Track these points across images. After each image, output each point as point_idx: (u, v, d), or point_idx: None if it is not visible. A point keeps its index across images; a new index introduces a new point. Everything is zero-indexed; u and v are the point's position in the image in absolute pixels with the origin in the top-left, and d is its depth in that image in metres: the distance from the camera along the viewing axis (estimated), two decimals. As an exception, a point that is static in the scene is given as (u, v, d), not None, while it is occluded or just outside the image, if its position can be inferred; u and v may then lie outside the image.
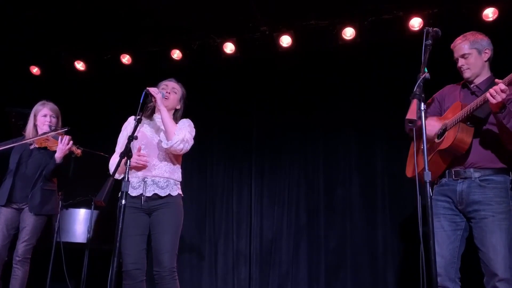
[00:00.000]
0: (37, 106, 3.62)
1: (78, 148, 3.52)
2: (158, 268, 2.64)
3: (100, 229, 4.26)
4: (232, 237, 4.80)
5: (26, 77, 5.38)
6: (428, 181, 2.03)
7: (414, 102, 2.11)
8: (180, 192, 2.82)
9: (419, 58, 2.22)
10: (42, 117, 3.58)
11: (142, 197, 2.69)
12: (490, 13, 4.02)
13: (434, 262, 1.96)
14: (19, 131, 3.74)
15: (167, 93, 2.82)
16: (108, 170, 2.75)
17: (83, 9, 4.40)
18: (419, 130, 2.12)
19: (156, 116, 2.88)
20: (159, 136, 2.77)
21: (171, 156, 2.80)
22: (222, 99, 5.13)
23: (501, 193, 2.38)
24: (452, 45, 2.62)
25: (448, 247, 2.44)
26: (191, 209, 4.69)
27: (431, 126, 2.53)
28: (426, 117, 2.14)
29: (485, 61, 2.55)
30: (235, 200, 4.90)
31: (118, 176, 2.54)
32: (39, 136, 3.50)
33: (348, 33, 4.45)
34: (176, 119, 2.87)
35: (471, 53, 2.53)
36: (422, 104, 2.11)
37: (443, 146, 2.45)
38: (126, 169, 2.43)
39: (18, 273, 3.32)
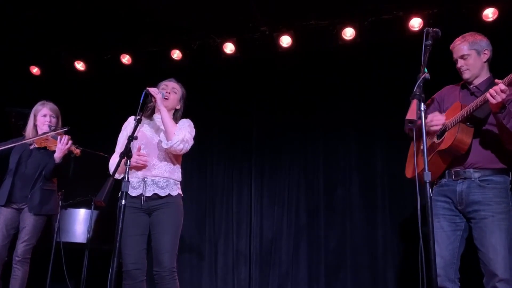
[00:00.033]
0: (37, 106, 3.63)
1: (77, 148, 3.52)
2: (158, 268, 2.64)
3: (100, 229, 4.26)
4: (232, 237, 4.80)
5: (26, 77, 5.38)
6: (428, 181, 2.03)
7: (414, 102, 2.11)
8: (180, 192, 2.82)
9: (419, 58, 2.22)
10: (42, 117, 3.58)
11: (142, 197, 2.69)
12: (490, 13, 4.02)
13: (434, 262, 1.96)
14: (19, 131, 3.74)
15: (167, 93, 2.82)
16: (108, 170, 2.75)
17: (83, 9, 4.40)
18: (419, 130, 2.12)
19: (156, 116, 2.88)
20: (159, 136, 2.77)
21: (171, 156, 2.80)
22: (222, 99, 5.13)
23: (500, 194, 2.38)
24: (451, 46, 2.62)
25: (447, 247, 2.44)
26: (191, 209, 4.69)
27: (437, 120, 2.50)
28: (426, 117, 2.15)
29: (484, 62, 2.55)
30: (235, 200, 4.90)
31: (118, 176, 2.54)
32: (39, 136, 3.50)
33: (348, 33, 4.45)
34: (176, 119, 2.87)
35: (470, 54, 2.53)
36: (422, 104, 2.11)
37: (443, 146, 2.45)
38: (126, 169, 2.43)
39: (18, 273, 3.32)
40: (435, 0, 4.12)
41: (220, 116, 5.07)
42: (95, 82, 5.35)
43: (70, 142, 3.40)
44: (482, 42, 2.55)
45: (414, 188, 2.07)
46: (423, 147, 2.10)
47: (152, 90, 2.70)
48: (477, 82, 2.56)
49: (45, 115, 3.58)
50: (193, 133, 2.85)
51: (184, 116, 2.93)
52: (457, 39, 2.60)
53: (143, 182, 2.71)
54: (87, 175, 4.03)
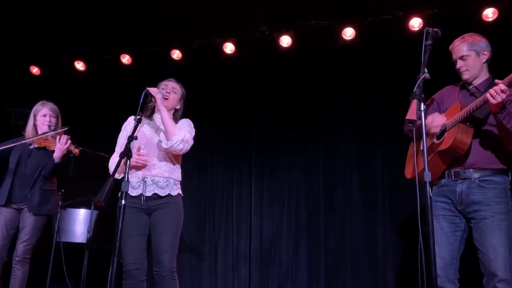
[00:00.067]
0: (37, 106, 3.63)
1: (76, 147, 3.52)
2: (158, 268, 2.64)
3: (100, 229, 4.26)
4: (232, 237, 4.80)
5: (26, 77, 5.38)
6: (428, 181, 2.03)
7: (414, 102, 2.11)
8: (180, 192, 2.82)
9: (419, 58, 2.22)
10: (42, 117, 3.58)
11: (142, 197, 2.69)
12: (490, 13, 4.02)
13: (434, 262, 1.96)
14: (19, 131, 3.74)
15: (167, 93, 2.82)
16: (108, 170, 2.75)
17: (83, 9, 4.40)
18: (419, 130, 2.12)
19: (156, 116, 2.88)
20: (158, 136, 2.77)
21: (170, 156, 2.80)
22: (222, 99, 5.13)
23: (500, 194, 2.38)
24: (450, 46, 2.62)
25: (447, 248, 2.44)
26: (191, 209, 4.69)
27: (437, 121, 2.51)
28: (426, 118, 2.15)
29: (484, 63, 2.55)
30: (235, 200, 4.90)
31: (118, 176, 2.54)
32: (39, 136, 3.50)
33: (348, 33, 4.45)
34: (176, 119, 2.87)
35: (470, 55, 2.53)
36: (422, 104, 2.11)
37: (443, 147, 2.45)
38: (126, 169, 2.43)
39: (18, 273, 3.32)
40: (435, 0, 4.12)
41: (220, 116, 5.07)
42: (95, 82, 5.35)
43: (69, 141, 3.40)
44: (481, 42, 2.55)
45: (414, 188, 2.07)
46: (423, 147, 2.10)
47: (152, 90, 2.70)
48: (476, 82, 2.56)
49: (45, 115, 3.58)
50: (193, 133, 2.85)
51: (184, 116, 2.93)
52: (456, 40, 2.60)
53: (143, 182, 2.71)
54: (87, 175, 4.03)
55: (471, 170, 2.43)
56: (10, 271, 3.35)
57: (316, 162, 4.70)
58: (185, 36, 4.84)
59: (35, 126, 3.60)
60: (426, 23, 4.13)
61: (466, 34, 2.59)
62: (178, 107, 2.91)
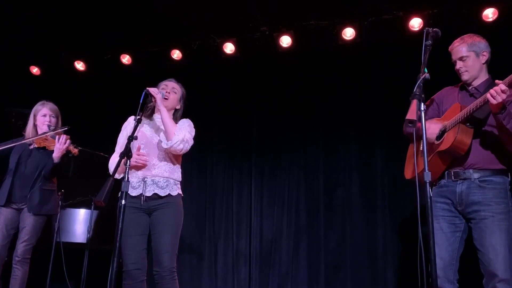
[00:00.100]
0: (37, 106, 3.63)
1: (75, 147, 3.51)
2: (158, 268, 2.64)
3: (100, 229, 4.26)
4: (232, 237, 4.80)
5: (26, 77, 5.38)
6: (428, 181, 2.03)
7: (414, 102, 2.11)
8: (180, 192, 2.82)
9: (419, 58, 2.22)
10: (42, 117, 3.58)
11: (142, 197, 2.69)
12: (490, 14, 4.02)
13: (434, 263, 1.96)
14: (19, 131, 3.74)
15: (167, 93, 2.82)
16: (108, 170, 2.75)
17: (83, 9, 4.40)
18: (418, 131, 2.12)
19: (156, 116, 2.88)
20: (159, 136, 2.77)
21: (170, 156, 2.80)
22: (222, 99, 5.13)
23: (500, 194, 2.38)
24: (450, 47, 2.62)
25: (447, 249, 2.44)
26: (191, 209, 4.69)
27: (431, 129, 2.53)
28: (425, 118, 2.14)
29: (483, 64, 2.55)
30: (235, 200, 4.90)
31: (118, 176, 2.54)
32: (38, 135, 3.50)
33: (348, 33, 4.45)
34: (176, 119, 2.87)
35: (469, 56, 2.53)
36: (422, 104, 2.11)
37: (443, 147, 2.45)
38: (126, 169, 2.43)
39: (18, 273, 3.32)
40: (435, 0, 4.12)
41: (220, 116, 5.07)
42: (95, 82, 5.35)
43: (68, 141, 3.39)
44: (481, 43, 2.55)
45: (414, 188, 2.07)
46: (423, 147, 2.10)
47: (152, 90, 2.70)
48: (476, 83, 2.56)
49: (45, 115, 3.58)
50: (193, 133, 2.85)
51: (184, 116, 2.93)
52: (455, 40, 2.60)
53: (143, 182, 2.71)
54: (87, 175, 4.03)
55: (471, 171, 2.43)
56: (10, 271, 3.35)
57: (316, 162, 4.70)
58: (185, 36, 4.84)
59: (35, 126, 3.60)
60: (426, 23, 4.13)
61: (465, 35, 2.59)
62: (178, 107, 2.91)
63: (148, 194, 2.70)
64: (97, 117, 5.23)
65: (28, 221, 3.39)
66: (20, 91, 5.29)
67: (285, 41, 4.63)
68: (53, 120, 3.61)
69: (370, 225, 4.38)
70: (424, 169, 2.06)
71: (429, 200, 2.02)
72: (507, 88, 2.18)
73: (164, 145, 2.69)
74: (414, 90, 2.13)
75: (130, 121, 2.86)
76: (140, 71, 5.09)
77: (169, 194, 2.73)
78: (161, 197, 2.71)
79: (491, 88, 2.22)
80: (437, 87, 2.72)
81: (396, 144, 3.84)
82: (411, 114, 2.09)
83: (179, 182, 2.83)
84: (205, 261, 4.81)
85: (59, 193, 3.80)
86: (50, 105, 3.64)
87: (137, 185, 2.71)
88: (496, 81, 2.24)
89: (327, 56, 4.73)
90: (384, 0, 4.18)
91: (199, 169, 5.05)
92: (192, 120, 2.91)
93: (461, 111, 2.42)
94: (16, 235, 3.43)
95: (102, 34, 4.80)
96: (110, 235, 2.85)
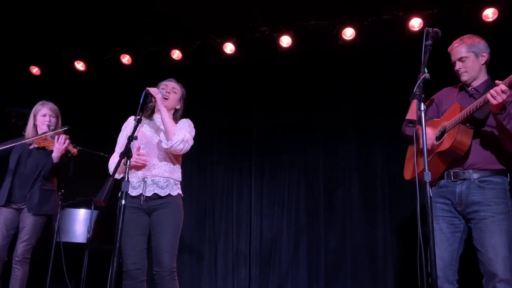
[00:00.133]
0: (37, 106, 3.63)
1: (74, 147, 3.51)
2: (158, 268, 2.64)
3: (100, 229, 4.26)
4: (232, 237, 4.80)
5: (26, 77, 5.38)
6: (428, 181, 2.03)
7: (414, 102, 2.11)
8: (180, 192, 2.82)
9: (419, 58, 2.23)
10: (42, 117, 3.58)
11: (142, 197, 2.69)
12: (490, 14, 4.02)
13: (434, 263, 1.96)
14: (19, 131, 3.75)
15: (167, 93, 2.82)
16: (108, 170, 2.75)
17: (83, 9, 4.39)
18: (417, 131, 2.12)
19: (156, 116, 2.88)
20: (159, 136, 2.77)
21: (171, 156, 2.80)
22: (222, 99, 5.13)
23: (500, 194, 2.38)
24: (449, 48, 2.62)
25: (446, 249, 2.44)
26: (191, 209, 4.69)
27: (428, 134, 2.52)
28: (425, 118, 2.15)
29: (482, 64, 2.55)
30: (235, 200, 4.90)
31: (118, 176, 2.54)
32: (38, 135, 3.50)
33: (348, 33, 4.45)
34: (176, 119, 2.87)
35: (468, 57, 2.54)
36: (422, 104, 2.11)
37: (443, 148, 2.45)
38: (126, 169, 2.43)
39: (18, 273, 3.32)
40: (435, 0, 4.12)
41: (220, 116, 5.07)
42: (95, 82, 5.35)
43: (67, 141, 3.39)
44: (480, 44, 2.55)
45: (414, 188, 2.08)
46: (423, 146, 2.10)
47: (152, 90, 2.70)
48: (475, 84, 2.56)
49: (44, 115, 3.58)
50: (193, 133, 2.85)
51: (184, 116, 2.93)
52: (455, 41, 2.60)
53: (143, 182, 2.71)
54: (87, 175, 4.03)
55: (471, 171, 2.43)
56: (10, 271, 3.35)
57: (316, 162, 4.70)
58: (185, 36, 4.84)
59: (35, 126, 3.60)
60: (426, 23, 4.13)
61: (465, 36, 2.59)
62: (178, 107, 2.91)
63: (148, 194, 2.70)
64: (97, 117, 5.23)
65: (28, 221, 3.39)
66: (20, 91, 5.29)
67: (285, 41, 4.63)
68: (53, 120, 3.61)
69: (370, 225, 4.38)
70: (424, 169, 2.06)
71: (429, 200, 2.02)
72: (507, 88, 2.18)
73: (164, 145, 2.69)
74: (414, 90, 2.13)
75: (130, 121, 2.86)
76: (140, 71, 5.09)
77: (169, 194, 2.73)
78: (161, 197, 2.71)
79: (491, 88, 2.22)
80: (437, 87, 2.72)
81: (396, 144, 3.84)
82: (411, 114, 2.09)
83: (179, 182, 2.83)
84: (205, 261, 4.81)
85: (59, 193, 3.80)
86: (50, 105, 3.64)
87: (137, 185, 2.71)
88: (496, 81, 2.24)
89: (327, 56, 4.73)
90: (384, 0, 4.18)
91: (199, 169, 5.05)
92: (192, 120, 2.91)
93: (460, 111, 2.42)
94: (16, 235, 3.44)
95: (102, 34, 4.80)
96: (110, 235, 2.85)
